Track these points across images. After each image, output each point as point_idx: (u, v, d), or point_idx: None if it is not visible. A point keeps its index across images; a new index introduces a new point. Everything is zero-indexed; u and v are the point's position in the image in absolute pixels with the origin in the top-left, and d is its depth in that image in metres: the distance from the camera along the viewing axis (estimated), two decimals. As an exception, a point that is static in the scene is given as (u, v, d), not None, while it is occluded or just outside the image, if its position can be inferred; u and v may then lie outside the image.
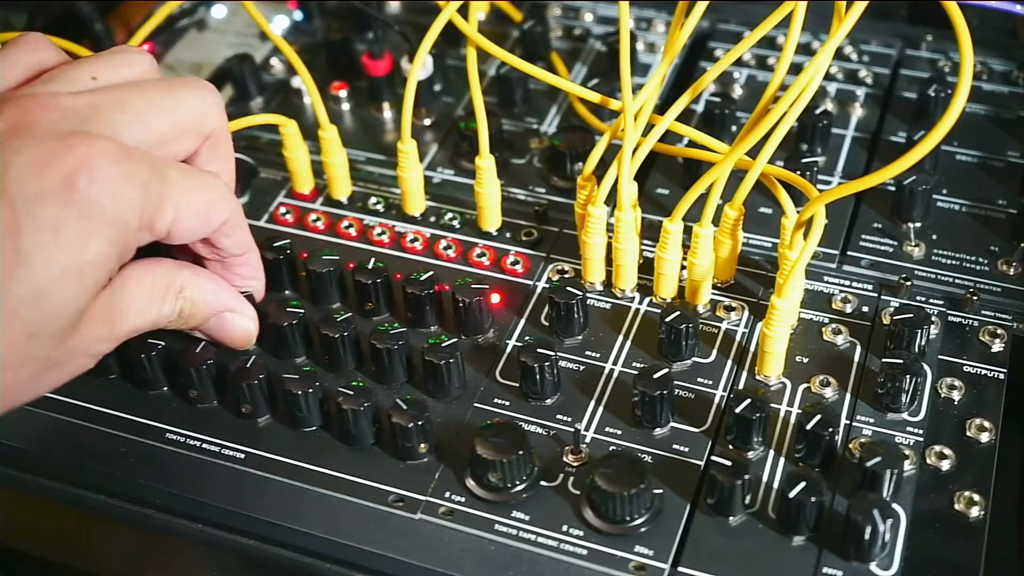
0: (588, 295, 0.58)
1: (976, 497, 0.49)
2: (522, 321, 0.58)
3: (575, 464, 0.51)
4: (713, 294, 0.58)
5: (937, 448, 0.51)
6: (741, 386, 0.54)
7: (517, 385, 0.54)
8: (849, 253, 0.61)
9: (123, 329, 0.47)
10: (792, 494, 0.47)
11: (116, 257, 0.44)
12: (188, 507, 0.51)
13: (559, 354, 0.54)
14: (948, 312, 0.57)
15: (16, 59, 0.47)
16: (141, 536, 0.53)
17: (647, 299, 0.58)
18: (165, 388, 0.56)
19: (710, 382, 0.54)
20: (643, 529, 0.48)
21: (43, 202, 0.41)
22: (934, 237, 0.61)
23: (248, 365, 0.54)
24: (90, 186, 0.42)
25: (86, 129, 0.43)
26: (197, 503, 0.51)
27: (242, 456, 0.53)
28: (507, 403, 0.54)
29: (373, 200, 0.65)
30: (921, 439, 0.52)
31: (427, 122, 0.71)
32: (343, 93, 0.73)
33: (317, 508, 0.51)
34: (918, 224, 0.62)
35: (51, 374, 0.45)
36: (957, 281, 0.59)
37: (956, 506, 0.49)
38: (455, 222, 0.63)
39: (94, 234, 0.42)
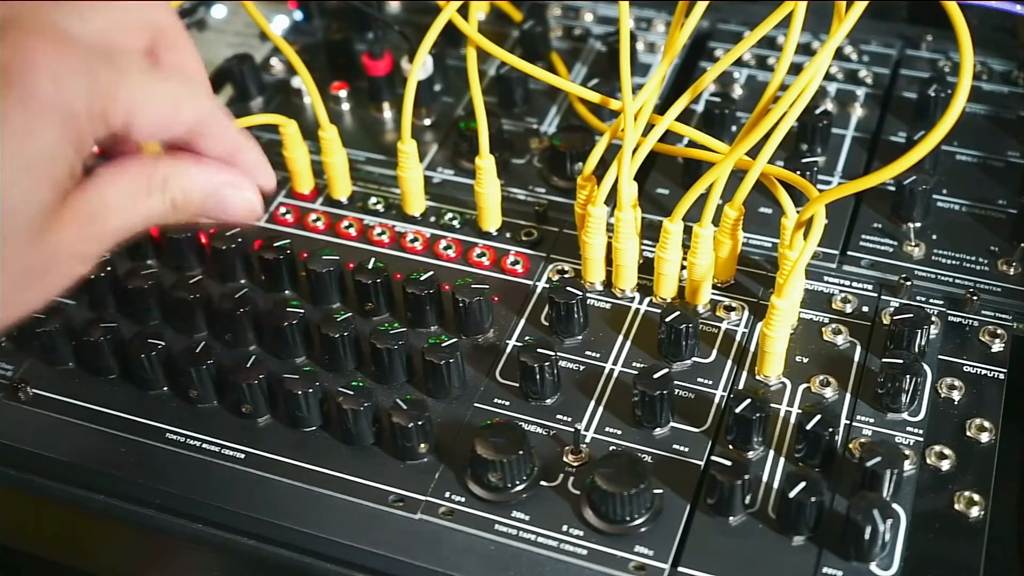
0: (588, 295, 0.58)
1: (976, 497, 0.49)
2: (522, 321, 0.58)
3: (575, 464, 0.51)
4: (713, 294, 0.58)
5: (937, 448, 0.51)
6: (741, 386, 0.54)
7: (517, 385, 0.54)
8: (849, 253, 0.61)
9: (108, 227, 0.45)
10: (792, 494, 0.47)
11: (71, 148, 0.42)
12: (188, 507, 0.51)
13: (559, 354, 0.54)
14: (948, 312, 0.57)
15: None
16: (141, 536, 0.53)
17: (647, 299, 0.58)
18: (165, 388, 0.56)
19: (710, 382, 0.54)
20: (643, 529, 0.48)
21: None
22: (934, 237, 0.61)
23: (248, 365, 0.54)
24: (28, 72, 0.40)
25: (24, 23, 0.42)
26: (197, 503, 0.51)
27: (242, 456, 0.53)
28: (507, 403, 0.54)
29: (373, 200, 0.65)
30: (921, 439, 0.52)
31: (427, 122, 0.71)
32: (343, 93, 0.73)
33: (317, 508, 0.51)
34: (918, 224, 0.62)
35: (40, 282, 0.43)
36: (957, 281, 0.59)
37: (956, 506, 0.49)
38: (455, 222, 0.63)
39: (38, 122, 0.41)
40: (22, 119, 0.40)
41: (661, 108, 0.59)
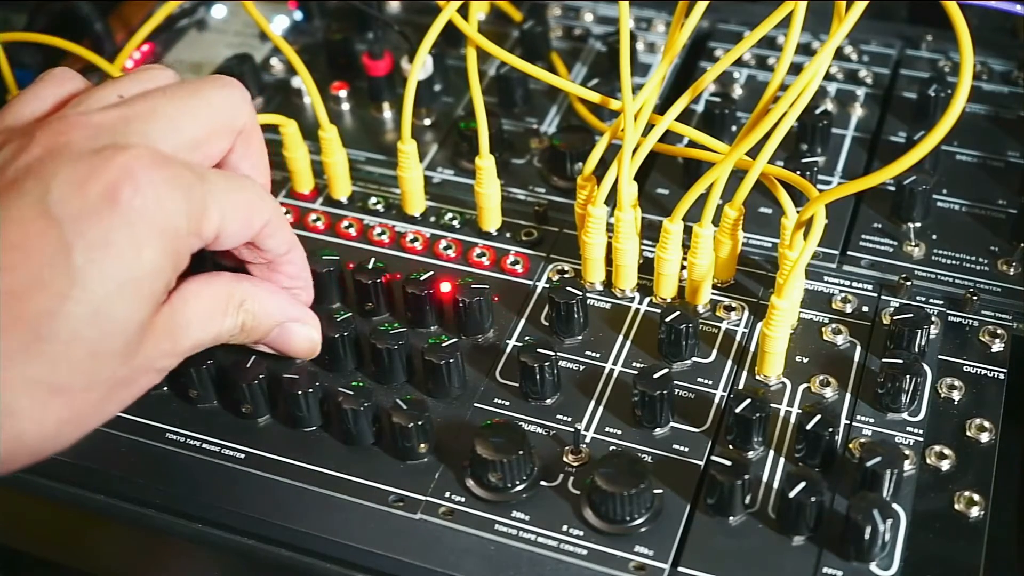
0: (588, 295, 0.58)
1: (976, 497, 0.49)
2: (522, 321, 0.58)
3: (575, 464, 0.51)
4: (713, 294, 0.58)
5: (937, 448, 0.51)
6: (741, 386, 0.54)
7: (517, 385, 0.54)
8: (849, 253, 0.61)
9: (186, 344, 0.46)
10: (792, 494, 0.47)
11: (170, 266, 0.44)
12: (188, 507, 0.51)
13: (559, 354, 0.54)
14: (948, 312, 0.57)
15: (43, 92, 0.47)
16: (141, 536, 0.53)
17: (647, 299, 0.58)
18: (165, 388, 0.56)
19: (710, 382, 0.54)
20: (643, 529, 0.48)
21: (89, 218, 0.41)
22: (934, 237, 0.61)
23: (248, 365, 0.54)
24: (134, 196, 0.41)
25: (121, 142, 0.43)
26: (197, 503, 0.51)
27: (242, 456, 0.53)
28: (507, 403, 0.54)
29: (373, 200, 0.65)
30: (921, 439, 0.52)
31: (427, 122, 0.71)
32: (343, 93, 0.73)
33: (317, 508, 0.51)
34: (918, 224, 0.62)
35: (119, 393, 0.44)
36: (957, 281, 0.59)
37: (956, 506, 0.49)
38: (455, 222, 0.63)
39: (145, 243, 0.42)
40: (128, 241, 0.41)
41: (661, 108, 0.59)
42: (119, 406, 0.45)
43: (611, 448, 0.52)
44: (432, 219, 0.64)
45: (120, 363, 0.43)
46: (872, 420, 0.52)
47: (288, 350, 0.53)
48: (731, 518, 0.49)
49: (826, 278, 0.59)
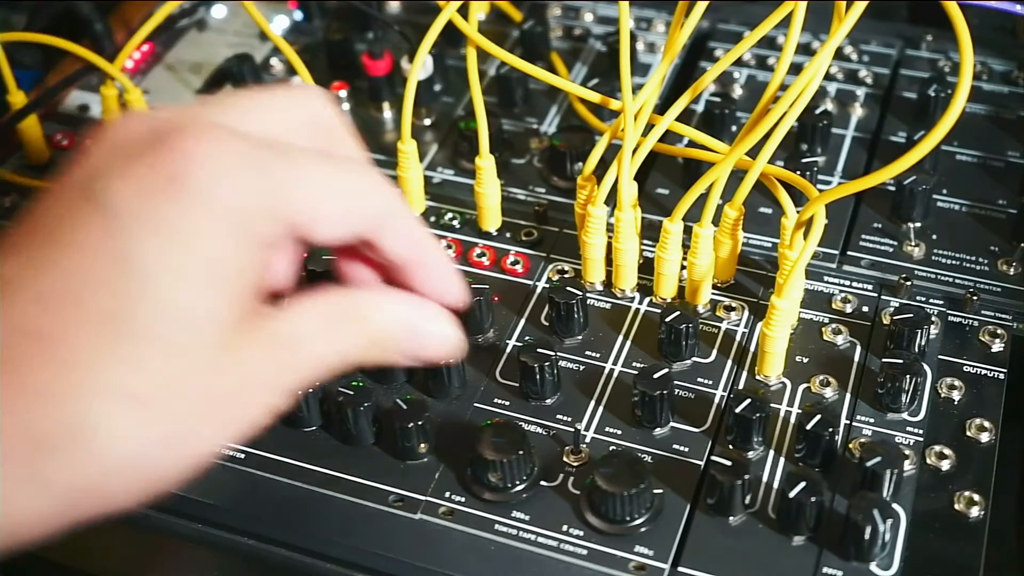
0: (588, 295, 0.58)
1: (976, 497, 0.49)
2: (522, 321, 0.58)
3: (575, 464, 0.51)
4: (713, 294, 0.58)
5: (937, 448, 0.51)
6: (741, 386, 0.54)
7: (517, 385, 0.54)
8: (849, 253, 0.61)
9: (308, 359, 0.40)
10: (792, 494, 0.47)
11: (246, 253, 0.38)
12: (188, 507, 0.51)
13: (559, 354, 0.54)
14: (948, 312, 0.57)
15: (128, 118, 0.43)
16: (141, 536, 0.53)
17: (647, 299, 0.58)
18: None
19: (710, 382, 0.54)
20: (643, 529, 0.48)
21: (150, 202, 0.36)
22: (934, 237, 0.61)
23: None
24: (196, 173, 0.37)
25: (186, 130, 0.38)
26: (197, 503, 0.51)
27: (242, 456, 0.53)
28: (507, 403, 0.54)
29: (373, 200, 0.65)
30: (921, 439, 0.52)
31: (427, 122, 0.71)
32: (343, 93, 0.73)
33: (317, 508, 0.51)
34: (918, 224, 0.62)
35: (222, 410, 0.38)
36: (957, 281, 0.59)
37: (956, 506, 0.49)
38: (455, 222, 0.63)
39: (208, 226, 0.37)
40: (191, 224, 0.37)
41: (661, 108, 0.59)
42: (227, 428, 0.39)
43: (611, 448, 0.52)
44: (432, 219, 0.64)
45: (210, 370, 0.37)
46: (872, 420, 0.52)
47: (427, 355, 0.45)
48: (731, 518, 0.49)
49: (826, 278, 0.59)
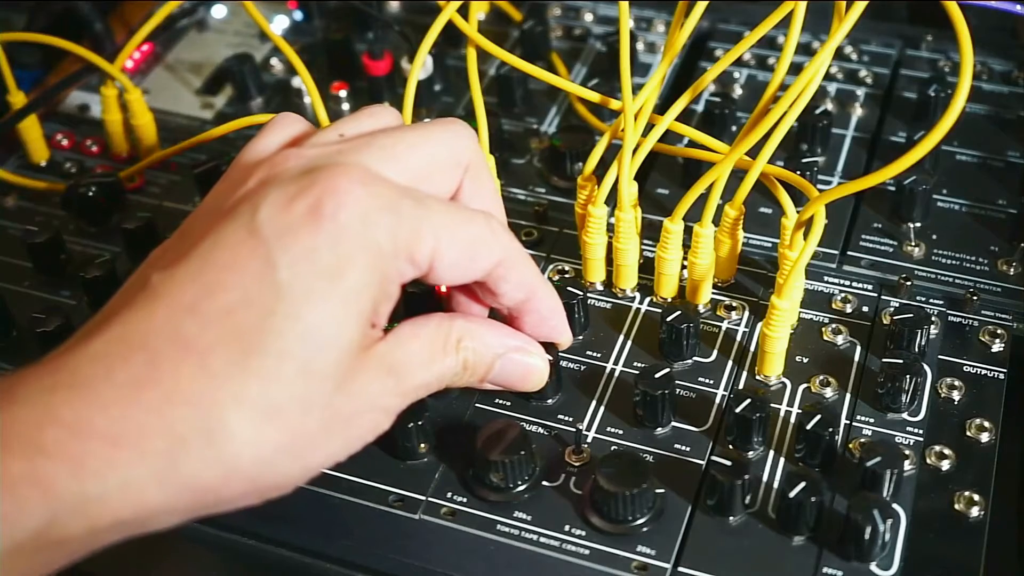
0: (588, 295, 0.58)
1: (976, 497, 0.49)
2: (522, 321, 0.58)
3: (577, 464, 0.51)
4: (713, 294, 0.58)
5: (937, 448, 0.51)
6: (741, 386, 0.54)
7: (517, 385, 0.54)
8: (849, 253, 0.61)
9: (410, 383, 0.45)
10: (792, 494, 0.47)
11: (377, 286, 0.42)
12: (189, 507, 0.51)
13: (560, 354, 0.54)
14: (948, 312, 0.57)
15: (270, 137, 0.47)
16: (141, 536, 0.53)
17: (648, 299, 0.58)
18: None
19: (711, 382, 0.54)
20: (645, 529, 0.48)
21: (294, 234, 0.41)
22: (934, 237, 0.61)
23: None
24: (338, 210, 0.41)
25: (332, 163, 0.43)
26: (198, 503, 0.51)
27: (243, 456, 0.53)
28: (508, 403, 0.54)
29: (373, 200, 0.65)
30: (921, 439, 0.52)
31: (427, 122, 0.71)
32: (343, 93, 0.73)
33: (317, 508, 0.51)
34: (918, 224, 0.62)
35: (340, 428, 0.43)
36: (957, 281, 0.59)
37: (956, 506, 0.49)
38: (455, 222, 0.63)
39: (349, 259, 0.41)
40: (332, 256, 0.41)
41: (661, 108, 0.59)
42: (342, 445, 0.43)
43: (613, 448, 0.52)
44: (432, 219, 0.64)
45: (334, 389, 0.41)
46: (872, 420, 0.52)
47: (513, 384, 0.51)
48: (731, 518, 0.49)
49: (826, 278, 0.59)
